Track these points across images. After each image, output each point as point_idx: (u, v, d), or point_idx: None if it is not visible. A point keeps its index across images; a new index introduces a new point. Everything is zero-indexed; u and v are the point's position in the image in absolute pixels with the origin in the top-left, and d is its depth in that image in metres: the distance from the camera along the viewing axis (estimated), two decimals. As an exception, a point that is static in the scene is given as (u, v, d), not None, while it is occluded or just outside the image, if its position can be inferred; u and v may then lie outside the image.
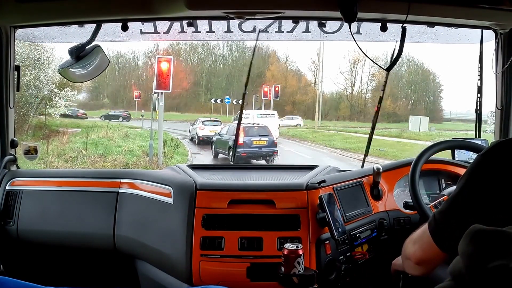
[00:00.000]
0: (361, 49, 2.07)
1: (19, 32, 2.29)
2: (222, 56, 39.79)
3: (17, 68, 2.29)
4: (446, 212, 1.19)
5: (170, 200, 1.96)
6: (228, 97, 32.26)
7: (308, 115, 35.12)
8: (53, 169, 2.46)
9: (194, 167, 2.27)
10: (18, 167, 2.42)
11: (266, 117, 20.39)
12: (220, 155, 15.90)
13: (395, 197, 2.21)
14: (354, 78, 37.83)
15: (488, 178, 1.11)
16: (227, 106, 30.86)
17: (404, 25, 1.90)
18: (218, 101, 32.34)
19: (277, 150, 15.07)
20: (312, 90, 37.86)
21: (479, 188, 1.12)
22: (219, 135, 16.50)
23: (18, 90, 2.32)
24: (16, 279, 1.33)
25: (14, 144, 2.36)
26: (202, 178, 2.02)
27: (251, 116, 19.61)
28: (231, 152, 14.26)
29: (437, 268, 1.29)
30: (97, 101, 36.34)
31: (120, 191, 2.17)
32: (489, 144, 1.21)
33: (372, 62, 2.48)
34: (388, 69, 2.11)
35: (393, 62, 2.04)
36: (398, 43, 2.00)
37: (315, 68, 37.83)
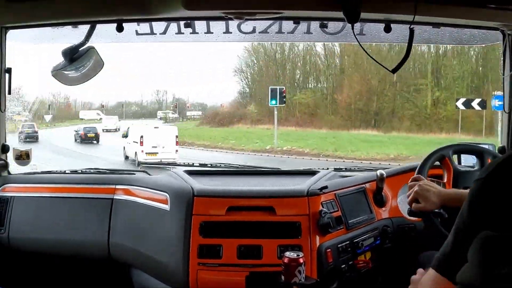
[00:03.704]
0: (365, 51, 2.10)
1: (11, 33, 2.31)
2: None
3: (9, 70, 2.32)
4: (453, 244, 1.12)
5: (166, 207, 1.98)
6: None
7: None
8: (46, 175, 2.45)
9: (191, 172, 2.30)
10: (9, 173, 2.44)
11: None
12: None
13: (399, 204, 2.23)
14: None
15: (491, 203, 1.04)
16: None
17: (412, 26, 1.92)
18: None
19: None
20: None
21: (481, 214, 1.05)
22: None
23: (9, 93, 2.34)
24: None
25: (5, 149, 2.39)
26: (200, 184, 2.05)
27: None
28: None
29: None
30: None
31: (114, 197, 2.20)
32: (489, 164, 1.13)
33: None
34: (394, 71, 2.13)
35: (400, 64, 2.05)
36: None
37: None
